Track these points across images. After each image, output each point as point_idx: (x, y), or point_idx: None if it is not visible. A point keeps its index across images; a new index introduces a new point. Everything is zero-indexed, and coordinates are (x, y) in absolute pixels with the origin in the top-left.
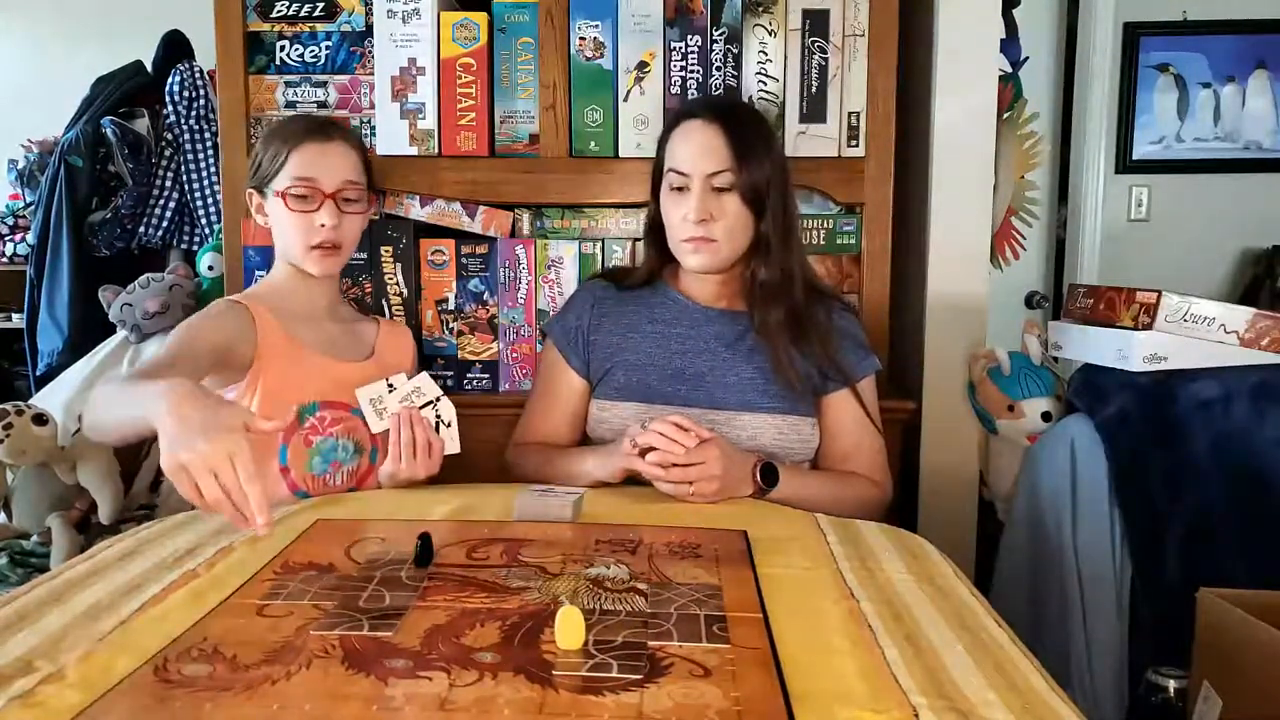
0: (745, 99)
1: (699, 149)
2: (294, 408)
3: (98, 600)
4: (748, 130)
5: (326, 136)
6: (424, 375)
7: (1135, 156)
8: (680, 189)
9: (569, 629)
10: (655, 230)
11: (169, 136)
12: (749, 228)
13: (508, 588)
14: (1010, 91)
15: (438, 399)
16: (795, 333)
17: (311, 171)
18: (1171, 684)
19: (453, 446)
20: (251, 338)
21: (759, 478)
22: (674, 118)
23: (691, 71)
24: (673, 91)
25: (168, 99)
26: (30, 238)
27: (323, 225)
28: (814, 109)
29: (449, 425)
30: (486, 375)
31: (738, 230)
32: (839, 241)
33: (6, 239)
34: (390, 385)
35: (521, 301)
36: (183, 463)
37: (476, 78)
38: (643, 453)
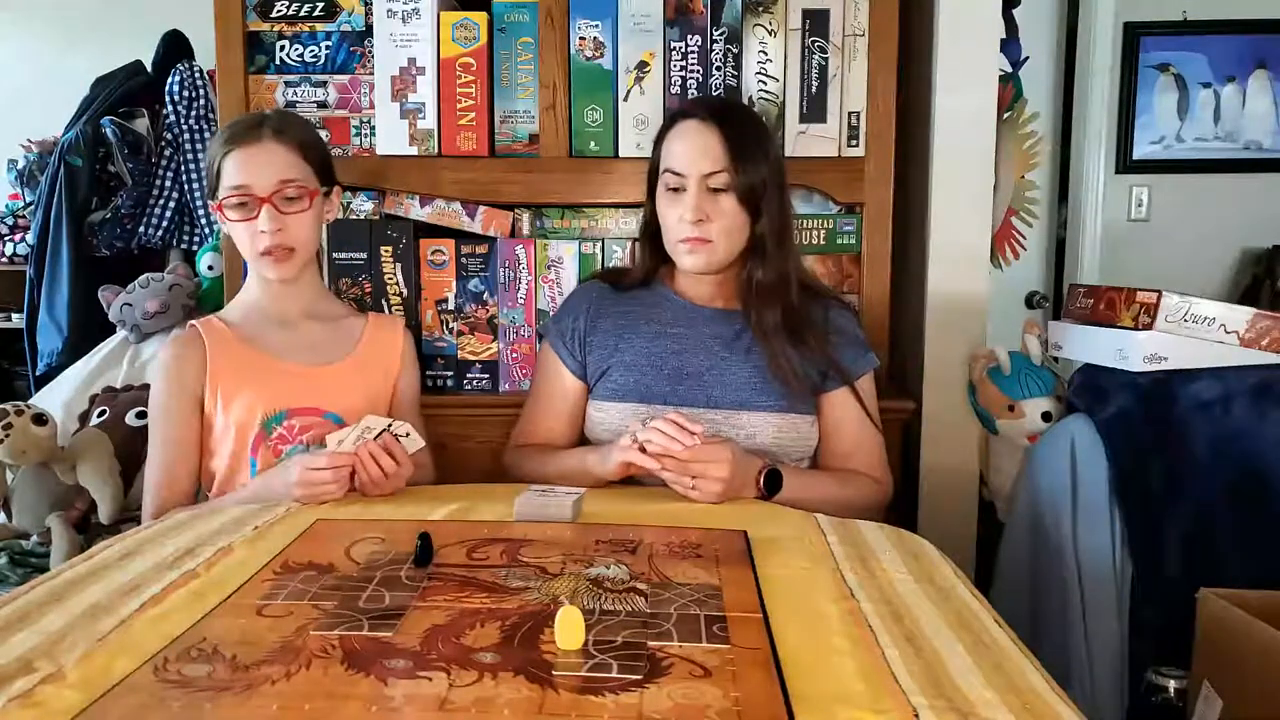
0: (745, 99)
1: (695, 149)
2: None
3: (98, 600)
4: (744, 131)
5: (254, 138)
6: (369, 416)
7: (1135, 156)
8: (676, 189)
9: (569, 629)
10: (651, 231)
11: (169, 136)
12: (745, 228)
13: (508, 588)
14: (1010, 91)
15: (388, 426)
16: (792, 333)
17: (242, 178)
18: (1171, 684)
19: (416, 444)
20: (201, 364)
21: (762, 484)
22: (670, 118)
23: (691, 71)
24: (673, 91)
25: (167, 99)
26: (30, 238)
27: (263, 231)
28: (814, 109)
29: (407, 435)
30: (486, 375)
31: (734, 231)
32: (839, 241)
33: (6, 239)
34: (339, 440)
35: (521, 301)
36: (305, 500)
37: (476, 78)
38: (644, 448)
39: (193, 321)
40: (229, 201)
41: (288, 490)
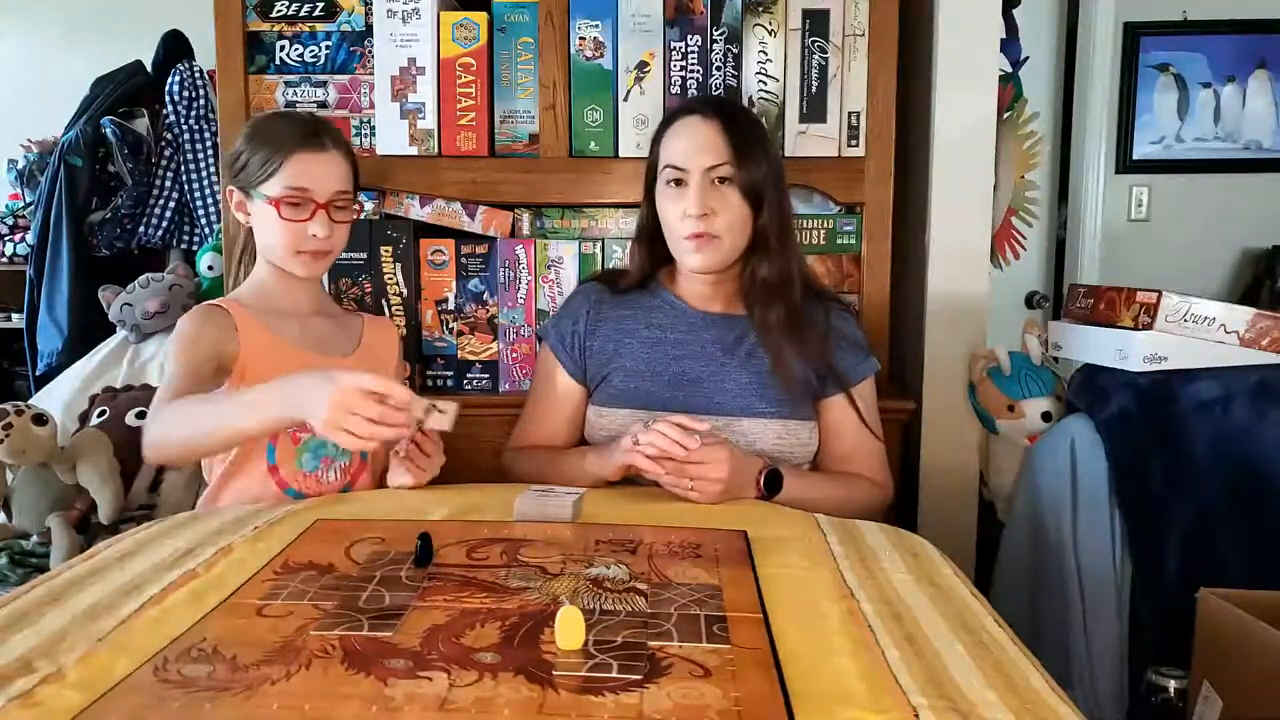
0: (745, 99)
1: (698, 143)
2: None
3: (97, 600)
4: (745, 127)
5: (321, 146)
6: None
7: (1135, 156)
8: (678, 183)
9: (569, 629)
10: (648, 233)
11: (169, 136)
12: (748, 223)
13: (508, 588)
14: (1010, 91)
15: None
16: (794, 333)
17: (305, 181)
18: (1171, 684)
19: (445, 423)
20: (234, 340)
21: (762, 484)
22: (669, 116)
23: (691, 71)
24: (673, 91)
25: (167, 99)
26: (30, 238)
27: (314, 235)
28: (814, 109)
29: (444, 413)
30: (486, 375)
31: (738, 225)
32: (839, 241)
33: (6, 239)
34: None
35: (521, 301)
36: (326, 427)
37: (476, 78)
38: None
39: (216, 301)
40: (287, 199)
41: (312, 409)
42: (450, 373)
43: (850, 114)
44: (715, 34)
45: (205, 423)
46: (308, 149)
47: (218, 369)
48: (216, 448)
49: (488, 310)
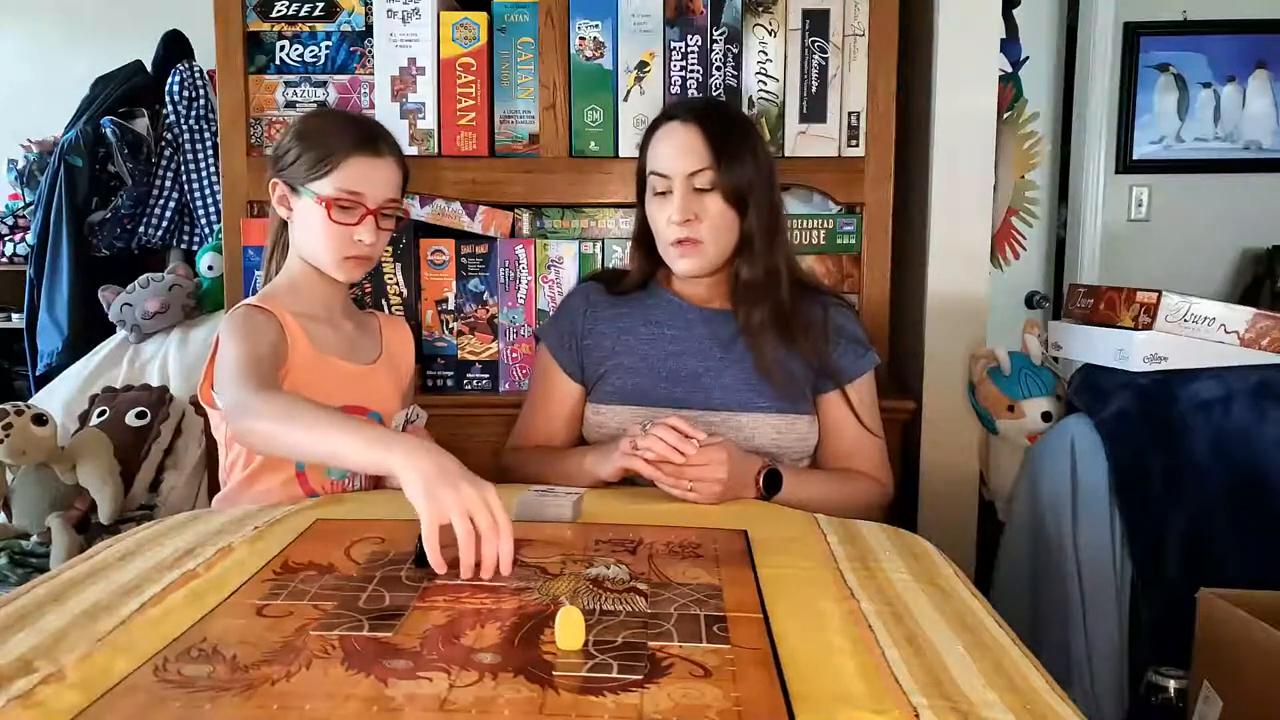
0: (745, 99)
1: (678, 149)
2: None
3: (97, 600)
4: (726, 128)
5: (377, 150)
6: (397, 413)
7: (1135, 156)
8: (663, 192)
9: (569, 629)
10: (643, 238)
11: (169, 136)
12: (734, 227)
13: (508, 588)
14: (1010, 91)
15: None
16: (782, 331)
17: (360, 186)
18: (1171, 684)
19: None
20: (284, 348)
21: (762, 484)
22: (653, 122)
23: (691, 71)
24: (673, 91)
25: (168, 99)
26: (30, 238)
27: (360, 240)
28: (814, 109)
29: (419, 418)
30: (486, 375)
31: (722, 230)
32: (839, 241)
33: (6, 239)
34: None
35: (521, 301)
36: (443, 500)
37: (476, 78)
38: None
39: (261, 305)
40: (339, 202)
41: (423, 476)
42: (450, 373)
43: (850, 114)
44: (715, 34)
45: (317, 444)
46: (364, 153)
47: (276, 365)
48: (317, 462)
49: (488, 310)
